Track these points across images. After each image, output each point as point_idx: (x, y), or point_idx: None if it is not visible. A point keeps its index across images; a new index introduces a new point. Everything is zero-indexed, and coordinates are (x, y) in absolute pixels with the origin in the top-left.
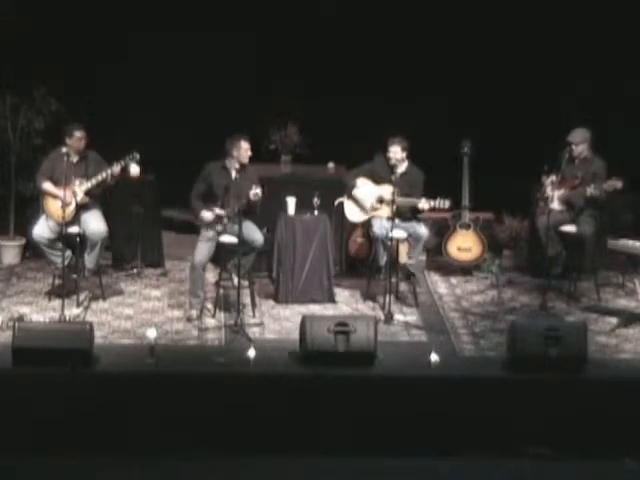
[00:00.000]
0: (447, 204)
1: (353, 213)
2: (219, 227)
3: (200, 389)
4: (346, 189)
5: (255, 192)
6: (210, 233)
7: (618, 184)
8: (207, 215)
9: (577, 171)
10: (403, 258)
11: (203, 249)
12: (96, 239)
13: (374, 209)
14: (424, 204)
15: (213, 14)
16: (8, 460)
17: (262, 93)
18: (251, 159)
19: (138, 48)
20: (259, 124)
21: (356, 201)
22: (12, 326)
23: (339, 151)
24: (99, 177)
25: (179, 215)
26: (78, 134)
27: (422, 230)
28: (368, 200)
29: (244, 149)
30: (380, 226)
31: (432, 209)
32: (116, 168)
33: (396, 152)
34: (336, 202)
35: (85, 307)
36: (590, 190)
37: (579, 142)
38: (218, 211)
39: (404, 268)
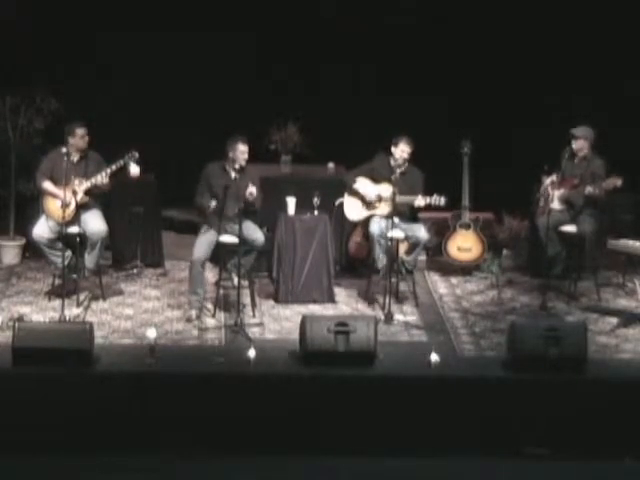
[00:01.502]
0: (442, 201)
1: (352, 211)
2: (224, 221)
3: (200, 389)
4: (346, 188)
5: (250, 191)
6: (210, 230)
7: (618, 182)
8: (213, 203)
9: (577, 170)
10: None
11: (202, 246)
12: (96, 239)
13: (372, 207)
14: (420, 201)
15: (214, 14)
16: (8, 460)
17: (262, 93)
18: (251, 159)
19: (139, 48)
20: (259, 124)
21: (354, 199)
22: (12, 326)
23: (339, 151)
24: (98, 177)
25: (179, 215)
26: (80, 132)
27: (422, 233)
28: (366, 198)
29: (240, 151)
30: (376, 226)
31: (428, 206)
32: (101, 176)
33: (405, 151)
34: (337, 202)
35: (85, 307)
36: (589, 189)
37: (579, 136)
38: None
39: (402, 264)
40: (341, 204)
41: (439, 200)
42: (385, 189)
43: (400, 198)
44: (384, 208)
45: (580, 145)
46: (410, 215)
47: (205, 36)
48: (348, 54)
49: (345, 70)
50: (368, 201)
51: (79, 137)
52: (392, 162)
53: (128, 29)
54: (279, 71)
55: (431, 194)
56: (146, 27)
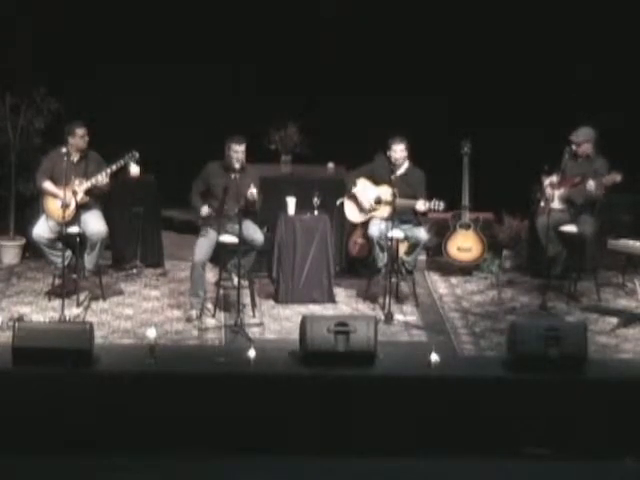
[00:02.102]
0: (442, 206)
1: (352, 213)
2: (224, 222)
3: (200, 389)
4: (346, 189)
5: (251, 192)
6: (210, 232)
7: (617, 177)
8: (205, 210)
9: (579, 169)
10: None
11: (203, 248)
12: (96, 239)
13: (372, 210)
14: (420, 206)
15: (214, 13)
16: (8, 460)
17: (262, 93)
18: (251, 159)
19: (138, 48)
20: (259, 124)
21: (355, 201)
22: (12, 326)
23: (339, 151)
24: (98, 177)
25: (179, 215)
26: (80, 132)
27: (422, 234)
28: (366, 201)
29: (234, 150)
30: (376, 228)
31: (428, 210)
32: (102, 176)
33: (398, 150)
34: (338, 202)
35: (85, 307)
36: (590, 183)
37: (582, 142)
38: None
39: (402, 264)
40: (342, 204)
41: (438, 205)
42: (385, 191)
43: (401, 202)
44: (384, 210)
45: (583, 149)
46: (413, 218)
47: (205, 36)
48: (348, 54)
49: (345, 70)
50: (368, 207)
51: (79, 137)
52: (391, 164)
53: (128, 29)
54: (279, 71)
55: (431, 198)
56: (146, 27)
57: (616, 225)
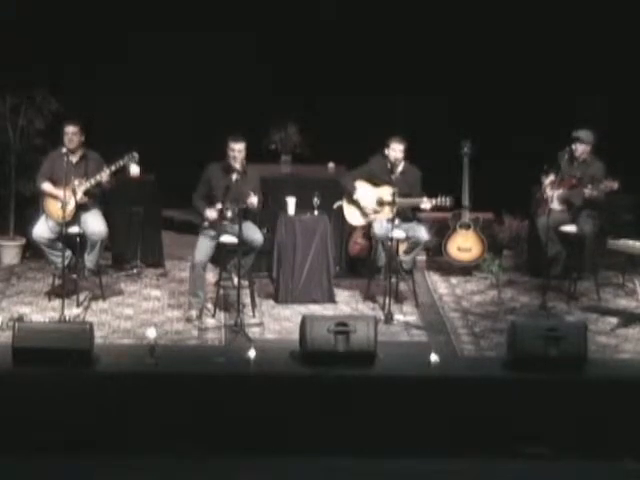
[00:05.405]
0: (448, 201)
1: (354, 217)
2: (224, 222)
3: (200, 389)
4: (345, 193)
5: (251, 201)
6: (210, 232)
7: (614, 185)
8: (211, 213)
9: (576, 171)
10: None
11: (203, 249)
12: (96, 239)
13: (375, 212)
14: (426, 204)
15: (214, 14)
16: (8, 460)
17: (262, 93)
18: (251, 159)
19: (138, 48)
20: (259, 124)
21: (356, 205)
22: (12, 326)
23: (339, 151)
24: (98, 177)
25: (179, 215)
26: (70, 129)
27: (422, 234)
28: (369, 203)
29: (232, 149)
30: (381, 227)
31: (434, 208)
32: (106, 174)
33: (398, 150)
34: (335, 205)
35: (85, 307)
36: (588, 191)
37: (586, 142)
38: (219, 207)
39: (399, 263)
40: (339, 207)
41: (445, 201)
42: (385, 192)
43: (404, 201)
44: (386, 211)
45: (583, 149)
46: (412, 216)
47: (205, 36)
48: (348, 55)
49: (345, 70)
50: (371, 211)
51: (67, 136)
52: (389, 164)
53: (128, 29)
54: (279, 71)
55: (436, 195)
56: (146, 27)
57: (616, 225)
